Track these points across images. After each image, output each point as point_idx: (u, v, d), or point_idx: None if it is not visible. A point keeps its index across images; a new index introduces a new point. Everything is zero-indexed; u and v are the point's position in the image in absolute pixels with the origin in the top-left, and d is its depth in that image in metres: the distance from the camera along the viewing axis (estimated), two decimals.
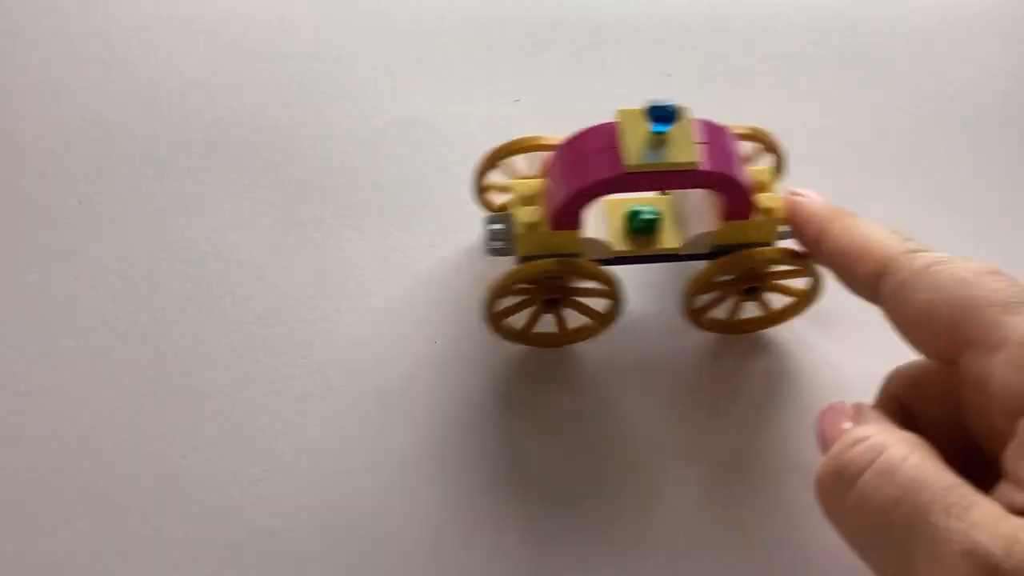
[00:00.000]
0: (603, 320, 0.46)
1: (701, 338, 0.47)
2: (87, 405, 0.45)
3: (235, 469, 0.43)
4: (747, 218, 0.42)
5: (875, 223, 0.39)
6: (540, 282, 0.43)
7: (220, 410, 0.45)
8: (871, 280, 0.38)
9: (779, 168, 0.48)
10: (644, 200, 0.45)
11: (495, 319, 0.44)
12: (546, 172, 0.43)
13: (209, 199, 0.52)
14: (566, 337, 0.46)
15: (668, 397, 0.46)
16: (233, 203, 0.51)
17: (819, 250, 0.41)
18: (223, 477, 0.43)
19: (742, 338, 0.47)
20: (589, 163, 0.40)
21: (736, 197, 0.41)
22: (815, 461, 0.34)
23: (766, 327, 0.47)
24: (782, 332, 0.47)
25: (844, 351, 0.47)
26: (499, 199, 0.48)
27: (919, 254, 0.36)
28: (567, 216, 0.41)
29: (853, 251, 0.39)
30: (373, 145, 0.54)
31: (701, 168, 0.40)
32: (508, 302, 0.44)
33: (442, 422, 0.45)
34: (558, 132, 0.54)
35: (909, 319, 0.36)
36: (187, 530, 0.42)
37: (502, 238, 0.44)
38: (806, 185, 0.43)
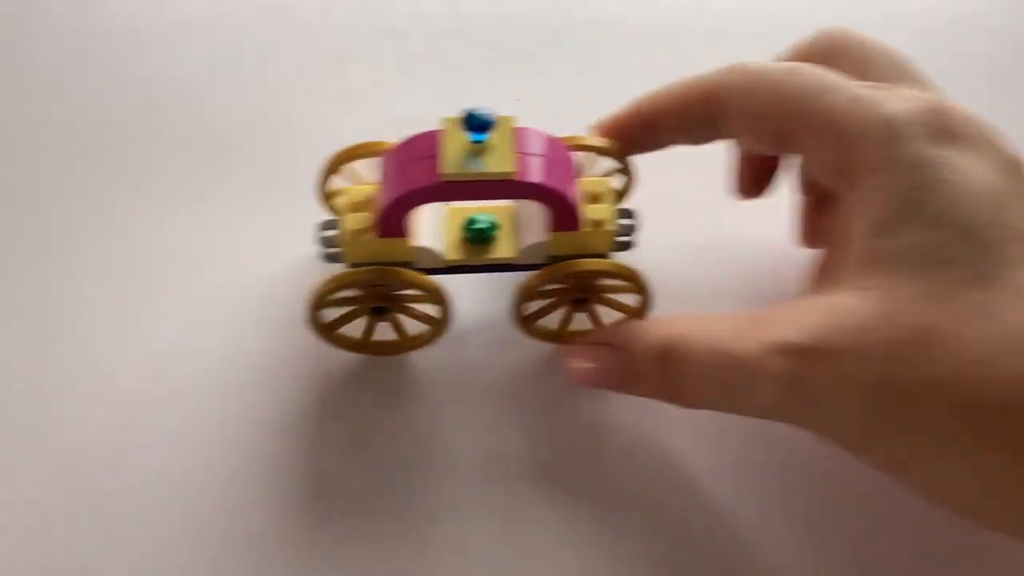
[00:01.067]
0: (434, 329, 0.45)
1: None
2: (87, 404, 0.45)
3: (235, 469, 0.43)
4: (574, 229, 0.41)
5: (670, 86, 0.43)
6: (367, 290, 0.43)
7: (221, 409, 0.45)
8: (706, 118, 0.41)
9: (628, 186, 0.48)
10: (488, 209, 0.44)
11: (320, 327, 0.44)
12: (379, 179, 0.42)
13: (210, 199, 0.52)
14: (398, 346, 0.46)
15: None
16: (233, 202, 0.51)
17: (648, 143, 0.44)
18: (223, 477, 0.43)
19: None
20: (408, 171, 0.40)
21: (559, 208, 0.40)
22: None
23: None
24: None
25: None
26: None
27: (739, 66, 0.40)
28: (390, 223, 0.40)
29: (679, 103, 0.42)
30: None
31: (517, 179, 0.39)
32: (338, 309, 0.44)
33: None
34: (558, 132, 0.54)
35: (745, 129, 0.40)
36: (186, 530, 0.42)
37: (332, 244, 0.43)
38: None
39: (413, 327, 0.46)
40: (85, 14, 0.60)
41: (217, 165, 0.53)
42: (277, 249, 0.49)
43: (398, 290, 0.43)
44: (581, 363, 0.41)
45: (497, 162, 0.39)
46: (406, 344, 0.46)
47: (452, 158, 0.39)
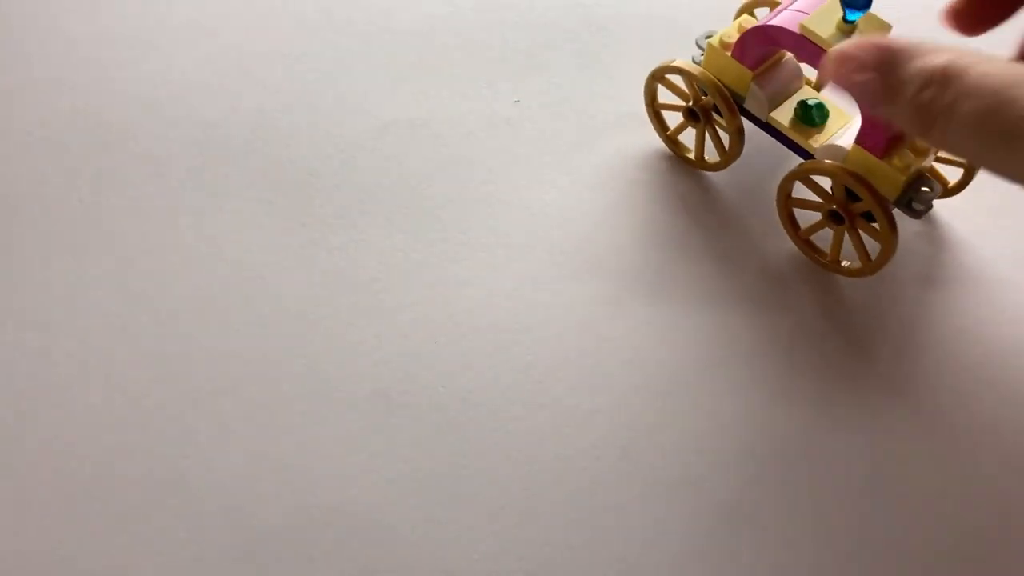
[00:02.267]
0: (720, 161, 0.51)
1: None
2: (87, 405, 0.45)
3: (235, 469, 0.43)
4: (876, 156, 0.44)
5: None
6: (694, 97, 0.50)
7: (221, 410, 0.45)
8: None
9: (965, 180, 0.48)
10: (843, 120, 0.48)
11: (652, 102, 0.52)
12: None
13: (209, 199, 0.52)
14: (691, 160, 0.52)
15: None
16: (234, 203, 0.51)
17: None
18: (223, 477, 0.43)
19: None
20: (783, 15, 0.45)
21: (869, 121, 0.43)
22: None
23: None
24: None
25: None
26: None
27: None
28: (744, 48, 0.47)
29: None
30: (373, 145, 0.54)
31: None
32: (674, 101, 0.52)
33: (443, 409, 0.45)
34: (558, 132, 0.54)
35: None
36: (187, 530, 0.42)
37: (701, 48, 0.50)
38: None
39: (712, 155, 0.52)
40: (85, 14, 0.60)
41: (219, 167, 0.53)
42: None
43: (714, 107, 0.49)
44: (841, 64, 0.38)
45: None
46: (697, 161, 0.52)
47: (819, 21, 0.43)
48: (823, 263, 0.49)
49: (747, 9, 0.51)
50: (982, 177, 0.48)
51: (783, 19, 0.44)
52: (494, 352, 0.47)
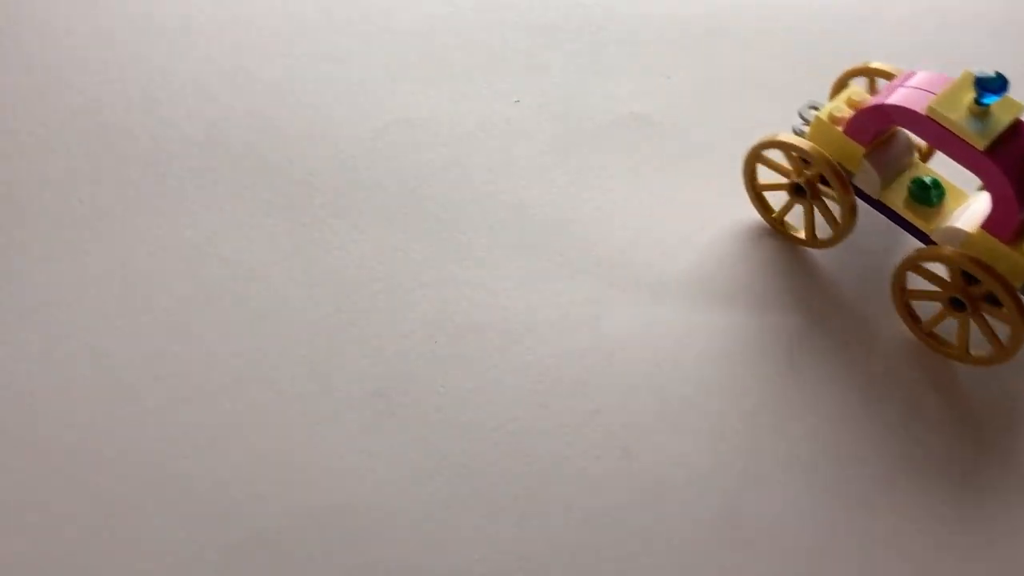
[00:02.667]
0: (834, 234, 0.48)
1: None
2: (88, 405, 0.45)
3: (235, 469, 0.43)
4: (1005, 240, 0.41)
5: None
6: (800, 167, 0.47)
7: (221, 410, 0.45)
8: None
9: None
10: (951, 188, 0.45)
11: (751, 177, 0.49)
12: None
13: (209, 199, 0.52)
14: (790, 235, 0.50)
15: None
16: (233, 203, 0.51)
17: None
18: (223, 477, 0.43)
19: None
20: (901, 92, 0.43)
21: (1002, 209, 0.41)
22: None
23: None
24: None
25: None
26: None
27: None
28: (858, 125, 0.44)
29: None
30: (373, 145, 0.54)
31: (983, 154, 0.40)
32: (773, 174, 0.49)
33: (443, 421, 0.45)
34: (557, 133, 0.55)
35: None
36: (187, 530, 0.42)
37: (805, 120, 0.48)
38: None
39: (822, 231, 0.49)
40: (85, 14, 0.60)
41: (221, 170, 0.53)
42: None
43: (821, 181, 0.47)
44: None
45: (980, 130, 0.40)
46: (808, 241, 0.49)
47: (948, 102, 0.41)
48: (949, 353, 0.45)
49: (846, 79, 0.49)
50: None
51: (905, 98, 0.42)
52: (494, 352, 0.47)
